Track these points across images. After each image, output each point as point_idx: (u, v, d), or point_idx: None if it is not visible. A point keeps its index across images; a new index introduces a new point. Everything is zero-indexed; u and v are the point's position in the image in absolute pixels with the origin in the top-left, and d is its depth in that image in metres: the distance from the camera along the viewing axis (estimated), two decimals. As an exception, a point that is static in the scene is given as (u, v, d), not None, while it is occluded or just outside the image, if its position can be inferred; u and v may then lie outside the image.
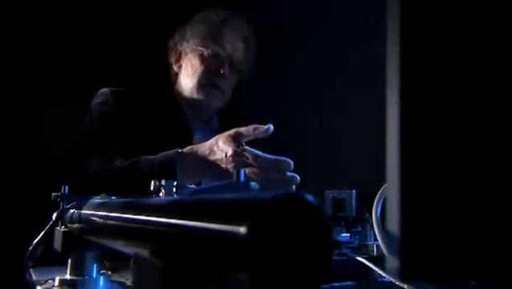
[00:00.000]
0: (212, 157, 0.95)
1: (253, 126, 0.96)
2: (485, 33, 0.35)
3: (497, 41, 0.35)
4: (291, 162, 0.94)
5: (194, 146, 1.00)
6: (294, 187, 0.96)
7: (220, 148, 0.95)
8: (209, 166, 0.95)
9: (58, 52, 1.69)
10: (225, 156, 0.93)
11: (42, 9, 1.70)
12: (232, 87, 1.30)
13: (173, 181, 0.89)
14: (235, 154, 0.93)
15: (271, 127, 0.97)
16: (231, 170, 0.92)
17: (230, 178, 0.89)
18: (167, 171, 0.94)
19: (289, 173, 0.94)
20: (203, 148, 0.98)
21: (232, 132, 0.96)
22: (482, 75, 0.35)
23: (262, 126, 0.96)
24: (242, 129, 0.96)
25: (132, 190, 0.55)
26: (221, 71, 1.23)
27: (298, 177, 0.95)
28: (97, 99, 1.21)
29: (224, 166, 0.93)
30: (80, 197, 0.68)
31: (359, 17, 1.67)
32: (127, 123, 1.14)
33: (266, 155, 0.93)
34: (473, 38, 0.35)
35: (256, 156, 0.92)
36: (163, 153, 0.99)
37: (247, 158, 0.92)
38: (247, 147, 0.94)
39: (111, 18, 1.79)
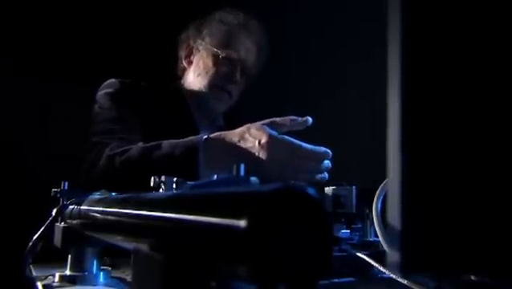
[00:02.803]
0: (242, 144, 0.90)
1: (290, 117, 0.93)
2: (486, 35, 0.35)
3: (497, 45, 0.35)
4: (330, 152, 0.91)
5: (222, 132, 0.95)
6: (326, 174, 0.93)
7: (252, 135, 0.90)
8: (238, 154, 0.90)
9: (59, 44, 1.69)
10: (259, 143, 0.89)
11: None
12: (240, 91, 1.29)
13: (195, 167, 0.87)
14: (270, 141, 0.88)
15: (309, 119, 0.93)
16: (264, 158, 0.88)
17: (261, 167, 0.87)
18: (190, 156, 0.90)
19: (325, 162, 0.91)
20: (231, 134, 0.93)
21: (266, 121, 0.92)
22: (483, 75, 0.35)
23: (298, 118, 0.93)
24: (278, 119, 0.93)
25: (153, 172, 0.53)
26: (234, 77, 1.22)
27: (330, 164, 0.92)
28: (106, 89, 1.18)
29: (256, 154, 0.88)
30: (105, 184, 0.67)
31: (360, 15, 1.67)
32: (135, 113, 1.12)
33: (304, 144, 0.89)
34: (473, 41, 0.35)
35: (293, 145, 0.89)
36: (188, 138, 0.95)
37: (283, 146, 0.88)
38: (283, 135, 0.90)
39: (114, 11, 1.78)
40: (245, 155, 0.89)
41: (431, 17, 0.36)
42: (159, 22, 1.76)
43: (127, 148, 0.96)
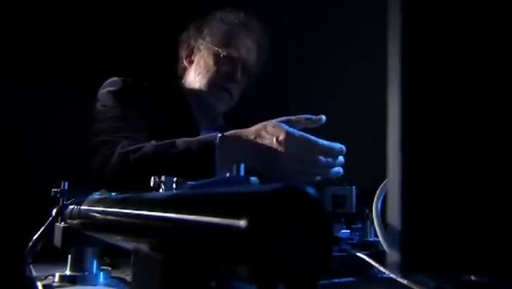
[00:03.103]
0: (259, 141, 0.91)
1: (305, 115, 0.94)
2: (486, 35, 0.35)
3: (497, 45, 0.35)
4: (344, 148, 0.93)
5: (237, 130, 0.96)
6: (341, 169, 0.95)
7: (270, 132, 0.91)
8: (255, 151, 0.91)
9: (60, 43, 1.69)
10: (276, 140, 0.90)
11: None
12: (241, 91, 1.29)
13: (212, 164, 0.88)
14: (288, 138, 0.89)
15: (323, 118, 0.95)
16: (282, 154, 0.89)
17: (278, 163, 0.88)
18: (206, 153, 0.90)
19: (340, 157, 0.94)
20: (247, 132, 0.94)
21: (282, 118, 0.94)
22: (483, 74, 0.35)
23: (313, 116, 0.95)
24: (293, 117, 0.94)
25: (168, 169, 0.53)
26: (235, 76, 1.22)
27: (344, 159, 0.95)
28: (108, 87, 1.18)
29: (273, 151, 0.89)
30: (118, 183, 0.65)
31: (361, 15, 1.67)
32: (137, 111, 1.12)
33: (320, 140, 0.91)
34: (473, 41, 0.35)
35: (310, 141, 0.90)
36: (201, 136, 0.96)
37: (300, 142, 0.90)
38: (300, 132, 0.92)
39: (115, 11, 1.78)
40: (263, 152, 0.90)
41: (431, 17, 0.36)
42: (160, 21, 1.76)
43: (139, 145, 0.96)
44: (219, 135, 0.93)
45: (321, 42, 1.88)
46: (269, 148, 0.90)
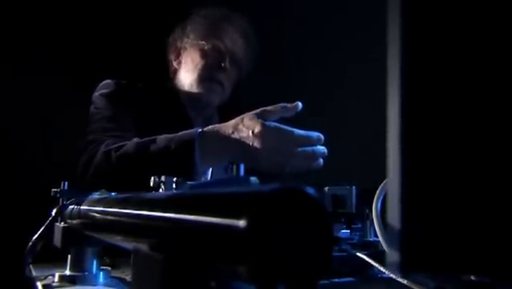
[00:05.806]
0: (236, 135, 0.91)
1: (281, 104, 0.94)
2: (486, 35, 0.35)
3: (498, 45, 0.35)
4: (322, 136, 0.92)
5: (216, 125, 0.96)
6: (321, 160, 0.94)
7: (246, 125, 0.91)
8: (233, 145, 0.91)
9: (58, 45, 1.69)
10: (252, 133, 0.89)
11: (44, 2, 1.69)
12: (232, 83, 1.29)
13: (191, 160, 0.88)
14: (264, 130, 0.89)
15: (300, 104, 0.94)
16: (259, 147, 0.88)
17: (256, 156, 0.87)
18: (185, 149, 0.90)
19: (319, 147, 0.93)
20: (225, 127, 0.94)
21: (258, 110, 0.93)
22: (483, 74, 0.35)
23: (289, 104, 0.94)
24: (269, 107, 0.93)
25: (149, 166, 0.54)
26: (222, 65, 1.22)
27: (326, 150, 0.94)
28: (101, 90, 1.19)
29: (250, 144, 0.89)
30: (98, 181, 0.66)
31: (361, 14, 1.67)
32: (130, 113, 1.13)
33: (296, 130, 0.90)
34: (473, 41, 0.35)
35: (285, 132, 0.90)
36: (182, 132, 0.96)
37: (276, 134, 0.89)
38: (276, 123, 0.91)
39: (112, 13, 1.78)
40: (240, 145, 0.90)
41: (431, 17, 0.36)
42: (156, 23, 1.76)
43: (122, 143, 0.97)
44: (199, 130, 0.94)
45: (321, 42, 1.88)
46: (246, 142, 0.90)
